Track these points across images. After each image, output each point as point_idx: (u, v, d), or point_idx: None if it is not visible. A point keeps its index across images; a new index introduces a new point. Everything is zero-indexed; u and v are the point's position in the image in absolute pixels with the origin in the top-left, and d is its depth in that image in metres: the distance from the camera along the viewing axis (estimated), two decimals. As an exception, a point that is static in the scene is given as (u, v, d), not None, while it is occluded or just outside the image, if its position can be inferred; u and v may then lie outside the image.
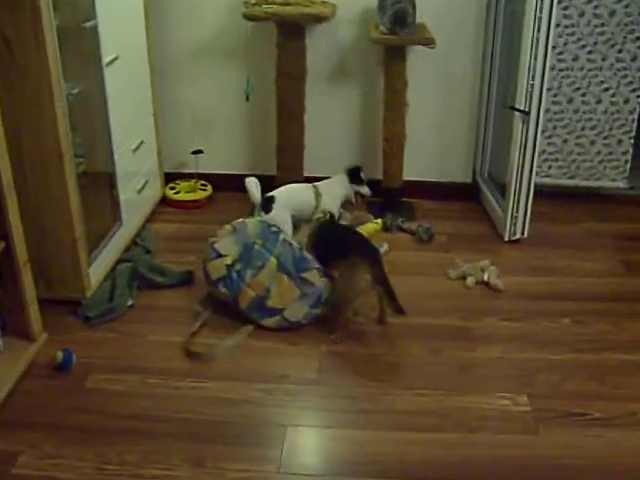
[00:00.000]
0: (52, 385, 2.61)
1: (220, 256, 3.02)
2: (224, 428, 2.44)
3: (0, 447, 2.31)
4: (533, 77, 3.32)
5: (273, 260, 2.99)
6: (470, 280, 3.29)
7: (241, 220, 3.15)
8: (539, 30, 3.24)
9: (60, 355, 2.66)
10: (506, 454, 2.34)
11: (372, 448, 2.36)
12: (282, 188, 3.54)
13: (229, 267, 2.99)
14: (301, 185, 3.65)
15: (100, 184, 3.28)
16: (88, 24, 2.96)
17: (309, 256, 3.05)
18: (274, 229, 3.13)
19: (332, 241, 3.15)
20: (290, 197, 3.49)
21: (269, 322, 2.94)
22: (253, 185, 3.47)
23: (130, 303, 3.07)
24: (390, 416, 2.50)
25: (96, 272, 3.09)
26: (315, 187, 3.61)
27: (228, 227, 3.12)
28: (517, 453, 2.34)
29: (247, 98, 3.90)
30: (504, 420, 2.48)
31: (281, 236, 3.10)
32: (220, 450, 2.34)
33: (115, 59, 3.19)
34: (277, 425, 2.45)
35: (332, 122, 4.08)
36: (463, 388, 2.64)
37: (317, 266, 3.01)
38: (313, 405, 2.57)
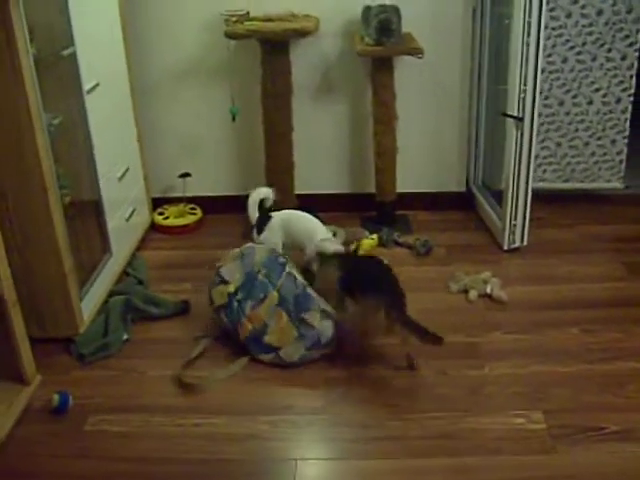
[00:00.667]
0: (49, 430, 2.50)
1: (224, 282, 2.93)
2: (232, 466, 2.34)
3: (-1, 502, 2.23)
4: (525, 82, 3.26)
5: (275, 294, 2.87)
6: (472, 293, 3.21)
7: (250, 245, 3.08)
8: (529, 35, 3.17)
9: (56, 398, 2.56)
10: (525, 476, 2.26)
11: (386, 479, 2.28)
12: (287, 211, 3.40)
13: (231, 295, 2.89)
14: (310, 217, 3.36)
15: (87, 214, 3.19)
16: (66, 52, 2.87)
17: (313, 294, 2.90)
18: (282, 260, 3.01)
19: (358, 275, 2.89)
20: (289, 221, 3.33)
21: (265, 358, 2.83)
22: (251, 204, 3.34)
23: (125, 337, 2.97)
24: (403, 443, 2.41)
25: (88, 307, 3.00)
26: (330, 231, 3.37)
27: (236, 251, 3.04)
28: (536, 474, 2.27)
29: (233, 118, 3.82)
30: (520, 440, 2.40)
31: (287, 268, 2.97)
32: (229, 490, 2.25)
33: (96, 86, 3.10)
34: (286, 459, 2.36)
35: (321, 138, 4.02)
36: (475, 409, 2.56)
37: (320, 306, 2.86)
38: (321, 436, 2.48)
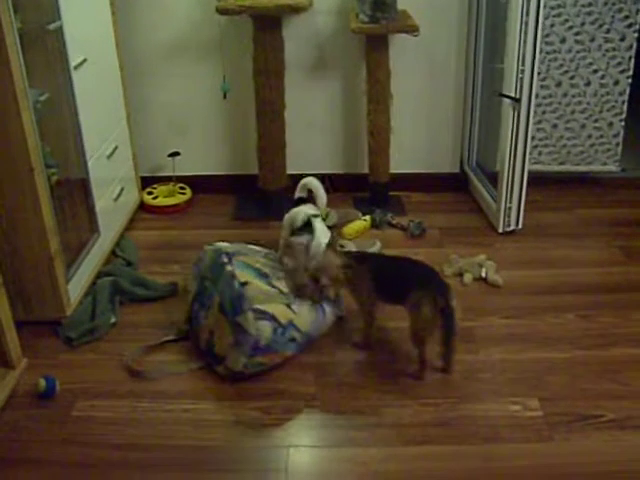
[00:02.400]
0: (36, 415, 2.44)
1: (188, 291, 2.85)
2: (222, 453, 2.29)
3: (-17, 488, 2.17)
4: (523, 62, 3.19)
5: (217, 299, 2.62)
6: (467, 277, 3.17)
7: (206, 247, 2.87)
8: (527, 14, 3.10)
9: (42, 382, 2.50)
10: (522, 464, 2.22)
11: (380, 466, 2.23)
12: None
13: (192, 304, 2.78)
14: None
15: (74, 194, 3.12)
16: (52, 26, 2.78)
17: (247, 293, 2.55)
18: (224, 259, 2.70)
19: (397, 276, 2.68)
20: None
21: (218, 370, 2.60)
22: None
23: (113, 320, 2.91)
24: (397, 430, 2.36)
25: (75, 289, 2.93)
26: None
27: (200, 255, 2.88)
28: (533, 462, 2.23)
29: (224, 96, 3.75)
30: (516, 428, 2.36)
31: (228, 268, 2.65)
32: (218, 478, 2.20)
33: (83, 62, 3.02)
34: (278, 447, 2.31)
35: (314, 117, 3.95)
36: (470, 395, 2.51)
37: (254, 307, 2.52)
38: (314, 423, 2.43)
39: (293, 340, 2.59)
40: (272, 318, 2.53)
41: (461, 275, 3.19)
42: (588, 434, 2.33)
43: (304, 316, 2.63)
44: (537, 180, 3.85)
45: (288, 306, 2.60)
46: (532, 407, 2.44)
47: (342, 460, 2.26)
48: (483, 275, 3.17)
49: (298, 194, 3.13)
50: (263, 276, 2.66)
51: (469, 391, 2.54)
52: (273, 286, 2.64)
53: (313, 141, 3.99)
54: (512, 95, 3.27)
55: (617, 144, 4.00)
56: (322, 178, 3.91)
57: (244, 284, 2.58)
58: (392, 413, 2.44)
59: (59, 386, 2.53)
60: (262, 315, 2.52)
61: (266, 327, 2.51)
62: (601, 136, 3.98)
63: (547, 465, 2.22)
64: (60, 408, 2.47)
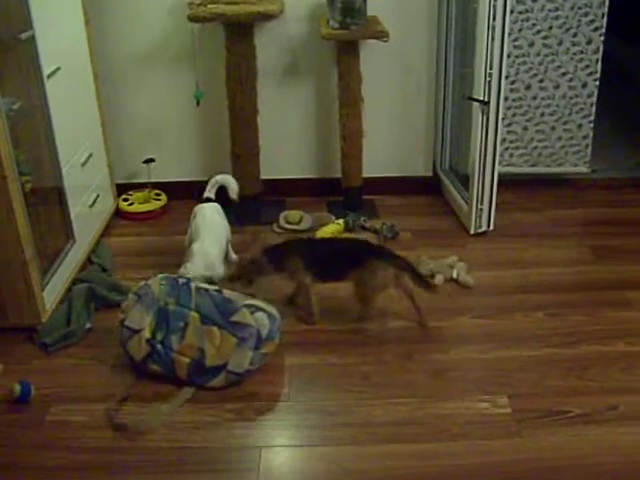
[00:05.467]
0: (10, 420, 2.46)
1: (135, 332, 2.62)
2: (195, 454, 2.32)
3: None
4: (491, 66, 3.25)
5: (194, 315, 2.62)
6: (439, 278, 3.21)
7: (143, 283, 2.74)
8: (494, 18, 3.16)
9: (17, 387, 2.52)
10: (491, 460, 2.26)
11: (352, 465, 2.27)
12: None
13: (150, 341, 2.60)
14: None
15: (49, 201, 3.13)
16: (24, 35, 2.80)
17: (232, 295, 2.70)
18: (182, 280, 2.75)
19: (334, 255, 2.97)
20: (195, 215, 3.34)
21: (215, 382, 2.57)
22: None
23: (88, 326, 2.93)
24: (368, 429, 2.40)
25: (51, 295, 2.95)
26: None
27: (131, 296, 2.71)
28: (502, 459, 2.27)
29: (197, 103, 3.78)
30: (485, 425, 2.40)
31: (193, 285, 2.72)
32: (195, 479, 2.23)
33: (57, 70, 3.05)
34: (251, 447, 2.34)
35: (287, 123, 3.98)
36: (440, 394, 2.56)
37: (244, 303, 2.66)
38: (287, 423, 2.46)
39: (278, 329, 2.70)
40: (260, 308, 2.66)
41: (432, 276, 3.22)
42: (555, 430, 2.38)
43: (272, 310, 2.74)
44: (509, 182, 3.90)
45: (259, 301, 2.74)
46: (501, 404, 2.49)
47: (314, 459, 2.29)
48: (454, 276, 3.21)
49: (207, 194, 3.37)
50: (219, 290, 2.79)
51: (439, 390, 2.58)
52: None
53: (286, 146, 4.02)
54: (481, 98, 3.32)
55: (586, 145, 4.05)
56: (295, 183, 3.99)
57: (219, 291, 2.72)
58: (363, 413, 2.48)
59: (34, 391, 2.55)
60: (253, 308, 2.65)
61: (262, 317, 2.63)
62: (571, 138, 4.03)
63: (516, 461, 2.26)
64: (35, 413, 2.49)
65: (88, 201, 3.46)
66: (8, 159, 2.60)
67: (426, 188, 4.10)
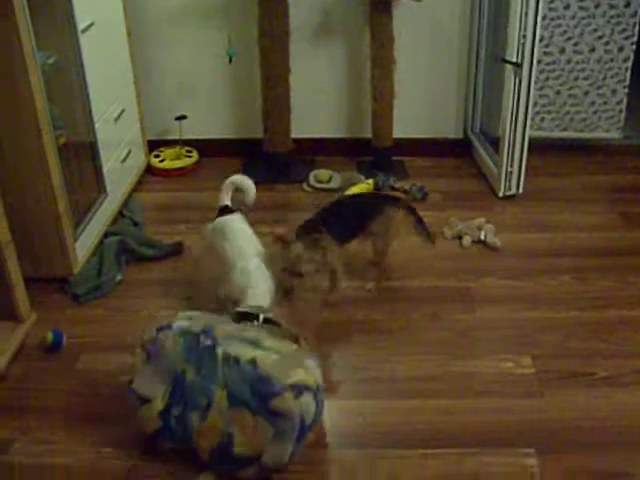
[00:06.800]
0: (42, 367, 2.52)
1: (145, 401, 2.11)
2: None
3: (-7, 434, 2.24)
4: (525, 28, 3.22)
5: (221, 393, 2.01)
6: (466, 239, 3.21)
7: (154, 335, 2.13)
8: (530, -21, 3.13)
9: (50, 336, 2.58)
10: (512, 419, 2.28)
11: (376, 418, 2.30)
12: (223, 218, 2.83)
13: (163, 414, 2.08)
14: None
15: (82, 155, 3.17)
16: (60, -10, 2.83)
17: (272, 372, 1.98)
18: (207, 341, 2.09)
19: (355, 210, 2.84)
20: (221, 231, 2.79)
21: (244, 474, 2.02)
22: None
23: (119, 278, 2.99)
24: (392, 384, 2.43)
25: (83, 247, 3.00)
26: None
27: (139, 352, 2.13)
28: (523, 417, 2.28)
29: (230, 60, 3.79)
30: (508, 384, 2.42)
31: (219, 350, 2.06)
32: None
33: (91, 25, 3.07)
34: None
35: (319, 82, 3.98)
36: (464, 352, 2.58)
37: (288, 383, 1.96)
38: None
39: (323, 403, 2.12)
40: (307, 388, 2.01)
41: (460, 238, 3.24)
42: (578, 391, 2.39)
43: (314, 369, 2.13)
44: (539, 146, 3.88)
45: (303, 367, 2.08)
46: (524, 364, 2.50)
47: (338, 410, 2.32)
48: (482, 238, 3.21)
49: (223, 201, 2.88)
50: (254, 343, 2.10)
51: (463, 348, 2.60)
52: (269, 349, 2.09)
53: (317, 106, 4.03)
54: (514, 60, 3.30)
55: (620, 111, 4.01)
56: (326, 143, 3.99)
57: (253, 362, 2.01)
58: (388, 368, 2.50)
59: (65, 340, 2.61)
60: (299, 390, 1.99)
61: (308, 401, 2.00)
62: (604, 103, 3.99)
63: (537, 420, 2.27)
64: (66, 361, 2.55)
65: (120, 156, 3.50)
66: (43, 112, 2.63)
67: (456, 150, 4.09)
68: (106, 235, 3.20)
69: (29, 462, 2.14)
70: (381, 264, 2.93)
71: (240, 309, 2.31)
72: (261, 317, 2.24)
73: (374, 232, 2.83)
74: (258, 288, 2.50)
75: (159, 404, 2.08)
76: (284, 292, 2.46)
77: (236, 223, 2.76)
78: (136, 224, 3.38)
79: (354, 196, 3.03)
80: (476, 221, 3.30)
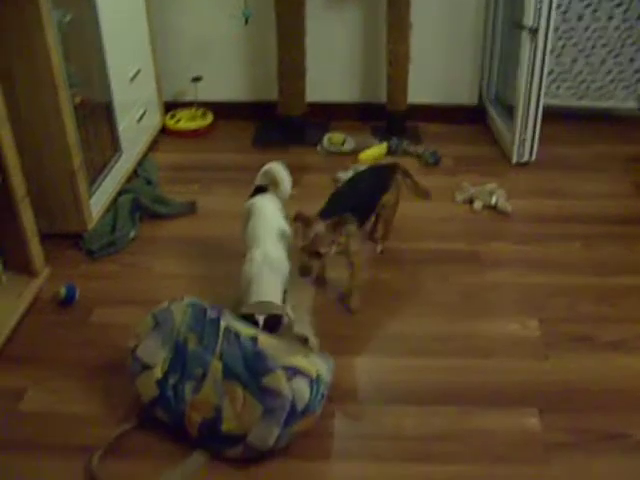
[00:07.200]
0: (56, 320, 2.57)
1: (146, 367, 2.09)
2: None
3: (6, 383, 2.29)
4: (542, -8, 3.21)
5: (217, 364, 2.02)
6: (477, 204, 3.23)
7: (165, 305, 2.16)
8: (548, -58, 3.11)
9: (63, 290, 2.63)
10: (517, 379, 2.31)
11: (381, 376, 2.34)
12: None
13: (161, 382, 2.07)
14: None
15: (98, 114, 3.19)
16: (77, -53, 2.85)
17: (268, 350, 2.03)
18: (213, 313, 2.12)
19: (368, 187, 2.70)
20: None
21: (231, 453, 2.01)
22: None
23: (133, 235, 3.03)
24: (398, 342, 2.47)
25: (97, 204, 3.03)
26: None
27: (148, 319, 2.15)
28: (528, 378, 2.31)
29: (246, 21, 3.79)
30: (514, 346, 2.45)
31: (223, 323, 2.09)
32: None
33: (107, -17, 3.08)
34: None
35: (334, 45, 3.97)
36: (472, 314, 2.60)
37: (281, 363, 2.00)
38: (318, 332, 2.49)
39: (323, 396, 2.07)
40: (303, 373, 2.02)
41: (471, 202, 3.25)
42: (583, 354, 2.41)
43: (322, 365, 2.13)
44: (554, 114, 3.86)
45: (307, 357, 2.10)
46: (531, 327, 2.53)
47: (344, 366, 2.33)
48: (493, 202, 3.22)
49: (259, 182, 2.73)
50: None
51: (471, 310, 2.63)
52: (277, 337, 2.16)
53: (332, 69, 4.02)
54: (530, 26, 3.29)
55: (637, 80, 3.98)
56: (340, 106, 3.98)
57: (254, 339, 2.06)
58: (395, 327, 2.54)
59: (79, 294, 2.65)
60: (293, 372, 2.00)
61: (302, 386, 1.99)
62: (621, 72, 3.96)
63: (542, 382, 2.30)
64: (79, 314, 2.60)
65: (135, 116, 3.52)
66: (59, 69, 2.65)
67: (471, 117, 4.09)
68: (120, 193, 3.23)
69: (42, 410, 2.19)
70: (388, 229, 2.91)
71: (243, 310, 2.25)
72: (261, 320, 2.20)
73: (384, 204, 2.78)
74: (262, 283, 2.35)
75: (158, 372, 2.07)
76: (301, 271, 2.38)
77: (262, 203, 2.62)
78: (150, 183, 3.41)
79: (358, 175, 2.83)
80: (488, 186, 3.30)
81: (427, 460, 2.03)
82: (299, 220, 2.38)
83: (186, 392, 2.03)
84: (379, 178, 2.78)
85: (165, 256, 2.93)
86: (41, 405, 2.21)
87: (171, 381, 2.05)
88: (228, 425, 1.98)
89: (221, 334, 2.06)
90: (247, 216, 2.61)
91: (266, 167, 2.71)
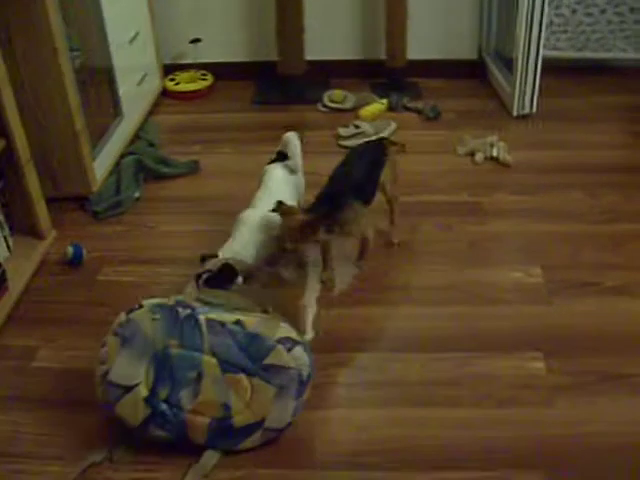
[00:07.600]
0: (65, 280, 2.60)
1: (127, 390, 1.89)
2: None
3: (18, 342, 2.32)
4: (540, -59, 3.19)
5: (210, 360, 1.88)
6: (479, 156, 3.24)
7: (124, 318, 1.93)
8: None
9: (70, 250, 2.65)
10: (521, 324, 2.34)
11: (385, 324, 2.38)
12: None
13: (150, 400, 1.89)
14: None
15: (98, 78, 3.20)
16: None
17: (260, 330, 1.90)
18: (184, 310, 1.91)
19: (365, 167, 2.54)
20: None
21: (249, 444, 1.93)
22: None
23: (137, 195, 3.05)
24: (405, 292, 2.50)
25: (101, 166, 3.05)
26: None
27: (110, 339, 1.92)
28: (532, 323, 2.34)
29: (244, -20, 3.79)
30: (518, 292, 2.48)
31: (201, 317, 1.90)
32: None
33: (105, -55, 3.07)
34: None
35: (332, 2, 3.95)
36: (476, 262, 2.63)
37: (276, 336, 1.90)
38: (323, 292, 2.53)
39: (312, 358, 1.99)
40: (296, 341, 1.94)
41: (472, 154, 3.26)
42: (586, 299, 2.44)
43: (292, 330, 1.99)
44: (554, 67, 3.84)
45: (284, 324, 1.98)
46: (534, 274, 2.55)
47: (349, 319, 2.38)
48: (494, 154, 3.23)
49: (280, 147, 2.72)
50: (235, 309, 1.99)
51: (475, 258, 2.65)
52: (246, 311, 1.99)
53: (331, 27, 4.01)
54: (528, -24, 3.28)
55: (638, 30, 3.96)
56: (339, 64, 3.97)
57: (239, 322, 1.91)
58: (401, 277, 2.57)
59: (86, 254, 2.68)
60: (289, 343, 1.91)
61: (301, 354, 1.93)
62: (622, 22, 3.94)
63: (545, 326, 2.33)
64: (87, 274, 2.63)
65: (135, 79, 3.53)
66: (58, 32, 2.65)
67: (471, 71, 4.07)
68: (123, 155, 3.25)
69: (56, 367, 2.23)
70: (393, 201, 2.77)
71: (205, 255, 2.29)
72: (204, 276, 2.19)
73: (384, 180, 2.64)
74: (236, 241, 2.39)
75: (143, 390, 1.89)
76: (266, 260, 2.36)
77: (272, 172, 2.63)
78: (152, 145, 3.42)
79: (349, 157, 2.62)
80: (488, 138, 3.30)
81: (433, 404, 2.06)
82: (279, 211, 2.33)
83: (183, 400, 1.89)
84: (372, 155, 2.63)
85: (169, 215, 2.96)
86: (54, 362, 2.25)
87: (162, 395, 1.89)
88: (241, 419, 1.89)
89: (204, 328, 1.89)
90: (261, 180, 2.63)
91: (287, 136, 2.70)
